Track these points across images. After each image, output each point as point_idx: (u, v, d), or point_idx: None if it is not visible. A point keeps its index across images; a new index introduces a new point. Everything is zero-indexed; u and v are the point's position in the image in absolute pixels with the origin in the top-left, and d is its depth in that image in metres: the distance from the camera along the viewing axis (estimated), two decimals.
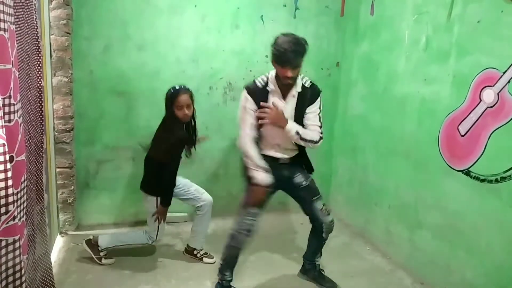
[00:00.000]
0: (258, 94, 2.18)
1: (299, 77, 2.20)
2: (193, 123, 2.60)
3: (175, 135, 2.44)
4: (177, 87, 2.48)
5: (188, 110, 2.47)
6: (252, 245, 2.86)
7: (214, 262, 2.71)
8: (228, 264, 2.32)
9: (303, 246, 2.59)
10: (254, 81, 2.25)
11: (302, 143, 2.19)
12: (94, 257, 2.62)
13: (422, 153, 2.60)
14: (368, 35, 3.25)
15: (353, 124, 3.43)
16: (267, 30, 3.37)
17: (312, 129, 2.19)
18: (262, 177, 2.12)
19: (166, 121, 2.52)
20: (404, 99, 2.77)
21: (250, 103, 2.17)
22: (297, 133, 2.14)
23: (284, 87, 2.18)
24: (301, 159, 2.35)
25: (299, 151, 2.33)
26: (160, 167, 2.47)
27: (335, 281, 2.51)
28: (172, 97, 2.45)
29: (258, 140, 2.24)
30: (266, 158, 2.23)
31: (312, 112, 2.22)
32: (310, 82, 2.25)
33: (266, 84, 2.20)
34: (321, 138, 2.21)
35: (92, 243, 2.64)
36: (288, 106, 2.20)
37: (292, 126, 2.14)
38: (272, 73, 2.20)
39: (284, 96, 2.20)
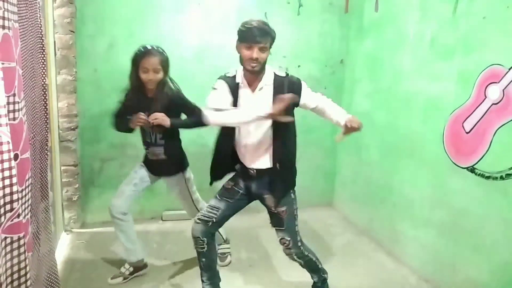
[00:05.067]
0: (231, 84, 1.97)
1: (269, 68, 1.98)
2: (163, 96, 2.23)
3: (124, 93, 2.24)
4: (148, 47, 2.17)
5: (154, 75, 2.17)
6: (251, 245, 2.88)
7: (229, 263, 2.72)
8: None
9: None
10: (226, 73, 2.04)
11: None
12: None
13: (427, 150, 2.58)
14: (372, 32, 3.23)
15: None
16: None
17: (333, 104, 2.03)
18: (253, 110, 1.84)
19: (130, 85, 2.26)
20: (409, 96, 2.75)
21: (223, 88, 1.96)
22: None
23: (251, 79, 1.95)
24: (275, 175, 2.00)
25: (279, 162, 1.98)
26: None
27: (338, 280, 2.48)
28: (137, 57, 2.16)
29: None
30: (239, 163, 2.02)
31: (314, 98, 2.01)
32: (286, 72, 2.06)
33: (235, 76, 1.99)
34: None
35: None
36: (258, 100, 1.94)
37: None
38: (241, 66, 1.99)
39: (252, 89, 1.97)
